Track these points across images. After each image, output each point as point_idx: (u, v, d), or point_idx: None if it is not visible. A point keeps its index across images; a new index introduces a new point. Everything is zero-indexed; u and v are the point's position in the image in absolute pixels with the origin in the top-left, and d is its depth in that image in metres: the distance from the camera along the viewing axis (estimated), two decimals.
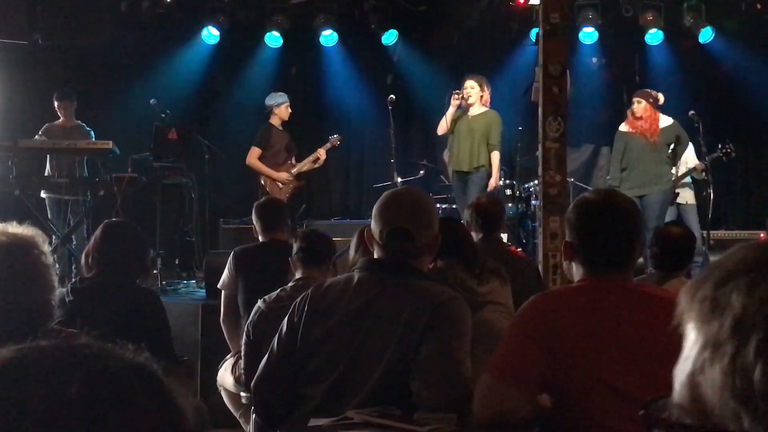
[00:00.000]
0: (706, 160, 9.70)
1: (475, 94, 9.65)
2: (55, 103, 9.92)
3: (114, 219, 5.14)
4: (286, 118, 10.30)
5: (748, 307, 1.04)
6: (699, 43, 11.37)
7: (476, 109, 9.69)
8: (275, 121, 10.27)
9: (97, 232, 4.72)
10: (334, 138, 10.59)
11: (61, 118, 9.93)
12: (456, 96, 9.64)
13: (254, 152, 10.23)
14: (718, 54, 11.73)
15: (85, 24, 9.15)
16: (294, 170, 10.30)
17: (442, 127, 9.79)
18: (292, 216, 9.76)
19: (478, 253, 4.46)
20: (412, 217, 3.26)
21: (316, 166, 10.53)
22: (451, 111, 9.68)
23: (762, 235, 9.66)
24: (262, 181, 10.27)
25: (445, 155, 10.13)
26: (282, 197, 9.93)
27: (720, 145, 10.00)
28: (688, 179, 10.06)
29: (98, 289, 4.46)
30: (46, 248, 3.02)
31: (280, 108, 10.22)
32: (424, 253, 3.32)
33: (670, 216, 9.71)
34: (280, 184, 10.19)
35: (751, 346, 1.02)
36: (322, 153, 10.40)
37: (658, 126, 9.51)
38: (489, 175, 9.64)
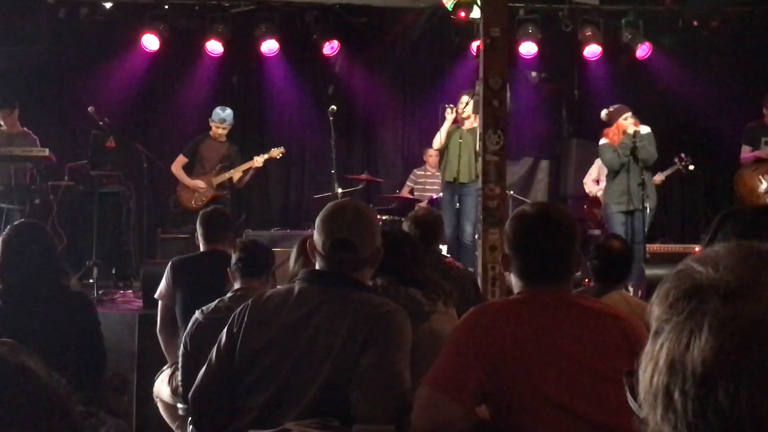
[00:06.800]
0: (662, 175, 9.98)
1: (469, 109, 9.74)
2: None
3: (18, 223, 4.91)
4: (217, 138, 10.31)
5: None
6: (637, 58, 11.55)
7: (470, 123, 9.77)
8: (213, 133, 10.31)
9: None
10: (276, 150, 10.48)
11: (4, 126, 9.78)
12: (450, 110, 9.69)
13: (178, 160, 10.37)
14: (656, 69, 11.92)
15: (22, 30, 9.03)
16: (215, 179, 10.24)
17: (438, 141, 9.83)
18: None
19: (424, 268, 4.40)
20: (354, 228, 3.25)
21: (251, 170, 10.40)
22: (446, 126, 9.73)
23: (697, 249, 9.77)
24: (178, 188, 10.36)
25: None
26: (192, 205, 9.99)
27: (676, 159, 10.11)
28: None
29: (22, 298, 4.33)
30: None
31: (212, 125, 10.31)
32: (365, 264, 3.31)
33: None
34: (195, 192, 10.20)
35: None
36: (258, 161, 10.33)
37: None
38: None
